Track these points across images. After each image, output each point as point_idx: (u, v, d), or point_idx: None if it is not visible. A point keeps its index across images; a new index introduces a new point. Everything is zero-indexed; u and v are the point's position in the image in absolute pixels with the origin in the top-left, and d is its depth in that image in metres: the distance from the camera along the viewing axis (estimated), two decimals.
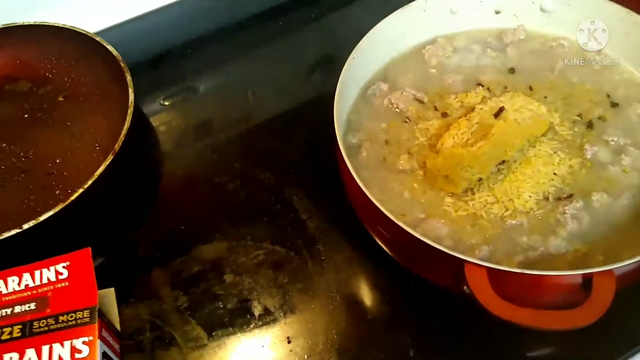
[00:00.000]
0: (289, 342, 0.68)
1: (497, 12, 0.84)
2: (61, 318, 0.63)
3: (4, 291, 0.66)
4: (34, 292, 0.66)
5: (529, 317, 0.55)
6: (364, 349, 0.68)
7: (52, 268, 0.67)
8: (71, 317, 0.63)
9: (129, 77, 0.84)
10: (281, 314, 0.71)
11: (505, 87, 0.79)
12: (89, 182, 0.73)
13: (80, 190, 0.73)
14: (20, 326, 0.63)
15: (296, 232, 0.77)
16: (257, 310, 0.71)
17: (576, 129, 0.74)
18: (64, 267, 0.67)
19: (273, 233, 0.77)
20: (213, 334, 0.70)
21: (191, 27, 1.08)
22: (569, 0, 0.80)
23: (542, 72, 0.80)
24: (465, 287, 0.57)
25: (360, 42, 0.75)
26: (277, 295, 0.72)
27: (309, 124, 0.88)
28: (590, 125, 0.74)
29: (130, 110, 0.80)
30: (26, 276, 0.67)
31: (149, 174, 0.88)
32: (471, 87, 0.80)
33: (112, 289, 0.70)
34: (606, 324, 0.54)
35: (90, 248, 0.68)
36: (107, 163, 0.75)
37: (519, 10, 0.83)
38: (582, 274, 0.56)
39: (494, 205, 0.68)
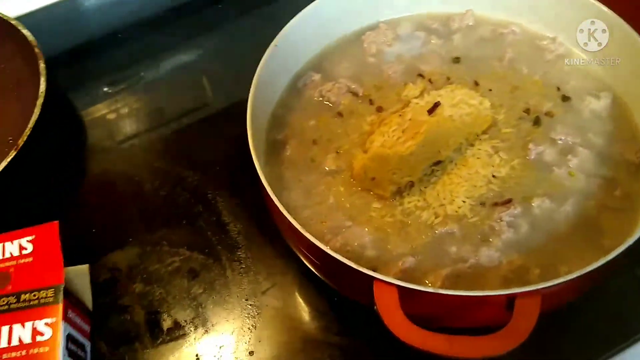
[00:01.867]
0: (197, 359, 0.62)
1: None
2: (23, 297, 0.58)
3: None
4: None
5: (443, 346, 0.48)
6: None
7: (15, 242, 0.62)
8: (34, 295, 0.58)
9: (42, 65, 0.77)
10: (192, 329, 0.64)
11: (448, 79, 0.72)
12: None
13: None
14: None
15: (217, 236, 0.71)
16: (166, 324, 0.65)
17: (521, 126, 0.67)
18: (28, 241, 0.62)
19: (192, 238, 0.71)
20: (117, 350, 0.64)
21: (139, 9, 1.01)
22: None
23: (489, 62, 0.73)
24: (375, 307, 0.51)
25: (285, 27, 0.69)
26: (190, 307, 0.66)
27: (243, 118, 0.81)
28: (537, 121, 0.67)
29: (39, 102, 0.74)
30: None
31: (67, 170, 0.81)
32: (412, 78, 0.73)
33: (86, 266, 0.66)
34: None
35: (58, 221, 0.62)
36: (9, 159, 0.69)
37: None
38: (503, 294, 0.49)
39: (424, 211, 0.62)
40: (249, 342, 0.63)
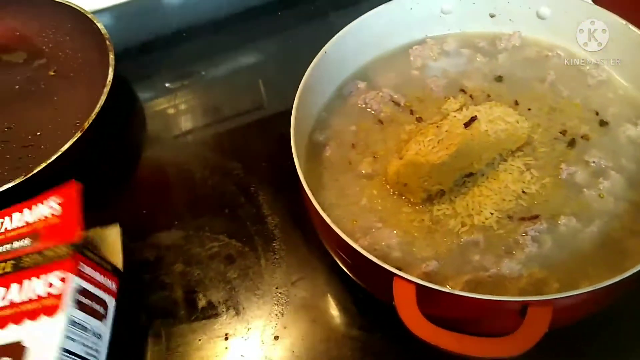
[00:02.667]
0: (226, 338, 0.67)
1: (492, 16, 0.80)
2: (46, 253, 0.62)
3: (8, 227, 0.66)
4: (30, 228, 0.66)
5: (453, 343, 0.51)
6: (304, 353, 0.65)
7: (45, 202, 0.67)
8: (54, 252, 0.62)
9: (111, 56, 0.84)
10: (224, 310, 0.69)
11: (489, 96, 0.74)
12: (52, 158, 0.73)
13: (43, 165, 0.73)
14: (13, 261, 0.63)
15: (255, 227, 0.75)
16: (201, 303, 0.70)
17: (556, 146, 0.69)
18: (57, 202, 0.66)
19: (232, 226, 0.76)
20: (154, 322, 0.69)
21: (204, 11, 1.08)
22: (566, 7, 0.74)
23: (531, 82, 0.75)
24: (393, 302, 0.54)
25: (335, 37, 0.73)
26: (224, 290, 0.70)
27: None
28: (572, 143, 0.69)
29: (106, 90, 0.80)
30: (26, 212, 0.67)
31: (127, 155, 0.88)
32: (454, 92, 0.75)
33: (117, 226, 0.69)
34: None
35: (80, 184, 0.67)
36: (74, 140, 0.75)
37: (514, 15, 0.78)
38: (516, 301, 0.51)
39: (452, 219, 0.64)
40: (275, 327, 0.67)
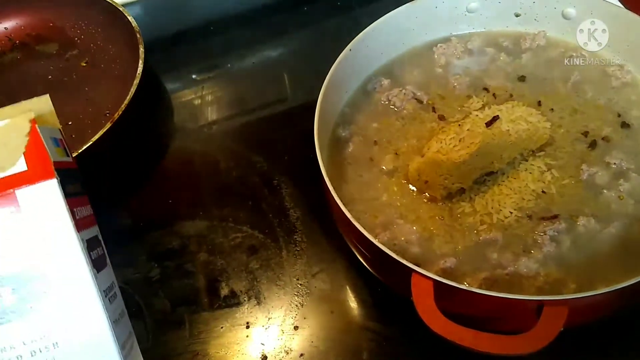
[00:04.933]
0: (247, 327, 0.69)
1: (517, 15, 0.80)
2: None
3: None
4: None
5: (468, 338, 0.52)
6: (322, 344, 0.67)
7: None
8: None
9: (141, 49, 0.86)
10: (245, 299, 0.71)
11: (511, 95, 0.75)
12: (83, 147, 0.76)
13: (74, 154, 0.75)
14: None
15: (277, 219, 0.77)
16: (223, 291, 0.72)
17: (577, 147, 0.69)
18: None
19: (255, 218, 0.77)
20: (176, 309, 0.71)
21: (231, 4, 1.09)
22: (592, 8, 0.74)
23: (554, 83, 0.76)
24: (411, 298, 0.55)
25: (360, 34, 0.74)
26: (246, 280, 0.72)
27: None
28: (593, 144, 0.69)
29: (135, 81, 0.82)
30: None
31: (154, 145, 0.90)
32: (477, 91, 0.76)
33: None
34: None
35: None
36: (104, 130, 0.78)
37: (539, 15, 0.79)
38: (532, 300, 0.53)
39: (471, 217, 0.65)
40: (295, 317, 0.69)
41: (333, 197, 0.61)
